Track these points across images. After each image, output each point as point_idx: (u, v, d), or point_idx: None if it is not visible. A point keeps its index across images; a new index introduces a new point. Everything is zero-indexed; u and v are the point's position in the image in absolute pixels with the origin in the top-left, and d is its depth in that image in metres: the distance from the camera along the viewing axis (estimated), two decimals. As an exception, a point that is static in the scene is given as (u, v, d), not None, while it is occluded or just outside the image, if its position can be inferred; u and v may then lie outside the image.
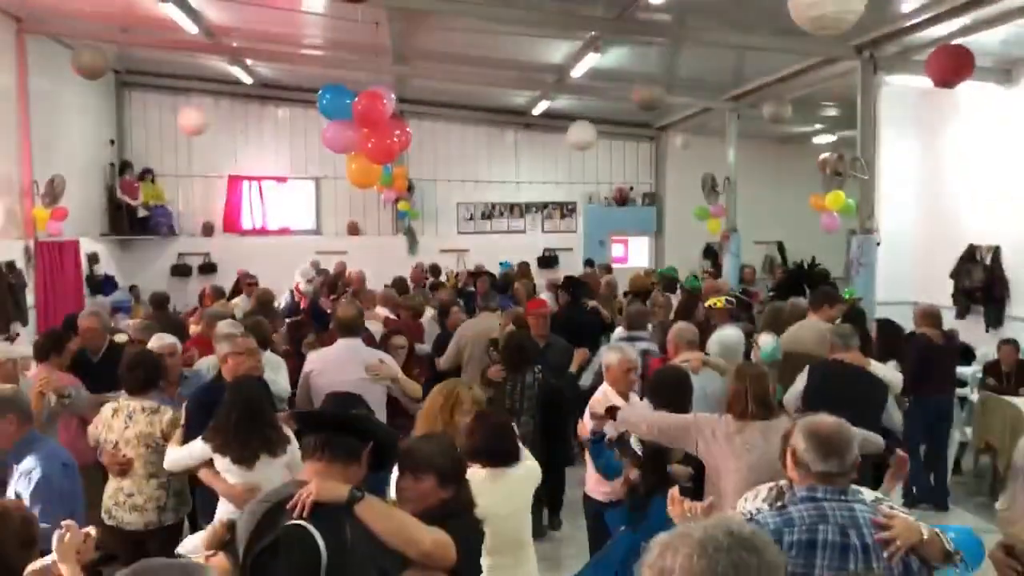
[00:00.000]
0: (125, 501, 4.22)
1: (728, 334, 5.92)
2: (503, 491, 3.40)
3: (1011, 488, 3.49)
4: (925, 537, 2.53)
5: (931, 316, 7.08)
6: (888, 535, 2.48)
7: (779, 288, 11.91)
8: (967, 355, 8.54)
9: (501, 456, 3.45)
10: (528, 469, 3.57)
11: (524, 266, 12.66)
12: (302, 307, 9.79)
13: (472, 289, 11.13)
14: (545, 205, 15.95)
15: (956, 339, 8.02)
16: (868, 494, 2.79)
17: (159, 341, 5.17)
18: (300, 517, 2.26)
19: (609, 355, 4.96)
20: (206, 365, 5.56)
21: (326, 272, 11.71)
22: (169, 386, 4.98)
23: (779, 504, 2.70)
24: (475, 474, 3.28)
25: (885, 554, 2.47)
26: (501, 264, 13.69)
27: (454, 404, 3.65)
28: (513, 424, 3.84)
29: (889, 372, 5.65)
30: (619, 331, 7.03)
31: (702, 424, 3.87)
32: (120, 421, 4.28)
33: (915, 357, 6.67)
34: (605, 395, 4.79)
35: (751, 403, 3.77)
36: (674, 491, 2.93)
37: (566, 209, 16.06)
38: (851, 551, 2.48)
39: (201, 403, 4.31)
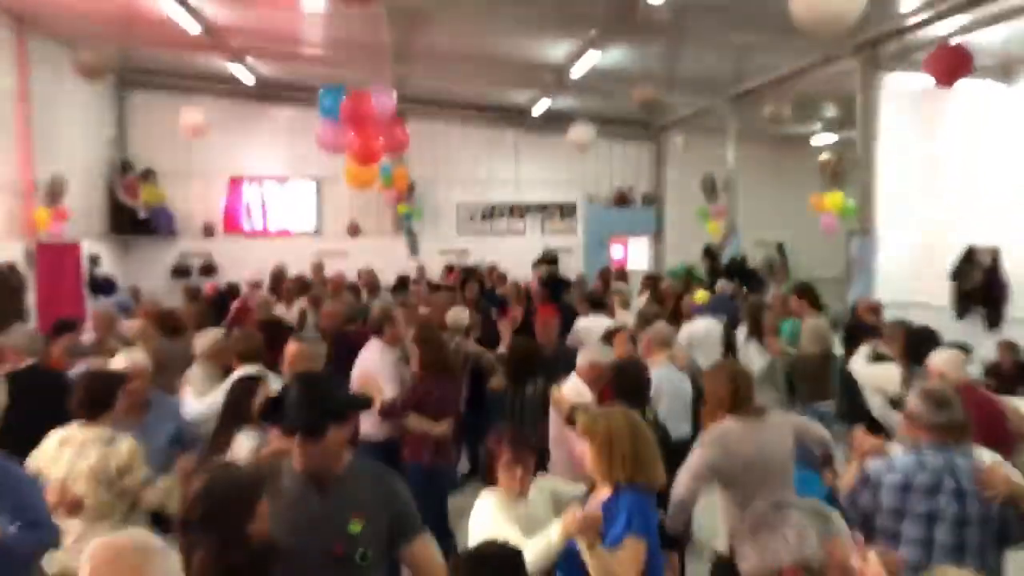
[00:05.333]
0: (72, 546, 3.51)
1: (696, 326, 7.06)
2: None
3: None
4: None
5: (877, 311, 7.41)
6: (986, 479, 2.83)
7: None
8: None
9: None
10: None
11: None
12: None
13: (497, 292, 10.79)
14: (545, 206, 15.97)
15: None
16: (988, 456, 3.01)
17: (129, 359, 4.39)
18: None
19: (604, 355, 4.70)
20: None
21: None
22: (134, 412, 4.16)
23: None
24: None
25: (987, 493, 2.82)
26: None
27: None
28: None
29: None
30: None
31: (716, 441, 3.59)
32: (70, 452, 3.64)
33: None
34: (575, 388, 4.63)
35: (738, 403, 3.60)
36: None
37: (566, 210, 16.08)
38: (943, 493, 2.86)
39: None
